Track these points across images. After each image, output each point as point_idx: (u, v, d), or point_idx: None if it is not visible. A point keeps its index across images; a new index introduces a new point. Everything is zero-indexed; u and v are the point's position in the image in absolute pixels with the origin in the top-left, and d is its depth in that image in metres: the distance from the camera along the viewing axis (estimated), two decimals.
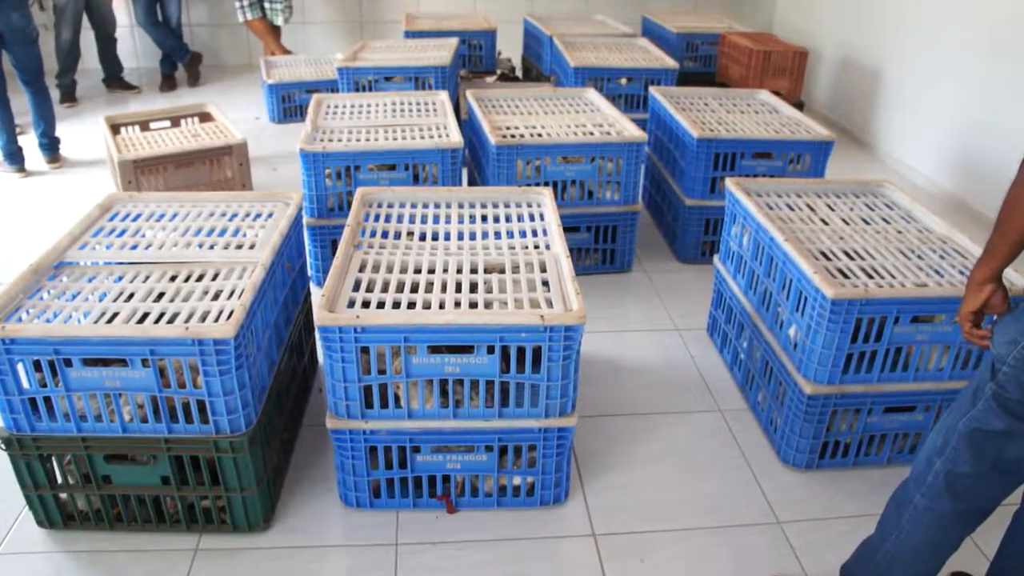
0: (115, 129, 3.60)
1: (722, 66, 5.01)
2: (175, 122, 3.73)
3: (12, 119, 3.95)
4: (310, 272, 2.81)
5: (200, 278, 1.84)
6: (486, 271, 1.91)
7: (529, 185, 2.89)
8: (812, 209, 2.35)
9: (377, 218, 2.17)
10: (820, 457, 2.09)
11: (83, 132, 4.62)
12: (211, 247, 1.97)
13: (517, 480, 1.92)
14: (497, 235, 2.10)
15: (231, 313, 1.64)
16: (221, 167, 3.43)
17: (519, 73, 5.46)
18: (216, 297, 1.76)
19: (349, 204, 2.74)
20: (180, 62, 5.68)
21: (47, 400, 1.67)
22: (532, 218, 2.20)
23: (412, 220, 2.17)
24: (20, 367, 1.63)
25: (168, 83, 5.68)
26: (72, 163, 4.24)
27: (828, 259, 2.04)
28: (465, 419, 1.80)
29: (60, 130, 4.26)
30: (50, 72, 4.69)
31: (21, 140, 4.10)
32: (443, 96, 3.35)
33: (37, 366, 1.63)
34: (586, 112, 3.30)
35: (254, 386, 1.74)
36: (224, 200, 2.25)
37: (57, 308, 1.71)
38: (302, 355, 2.30)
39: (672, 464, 2.13)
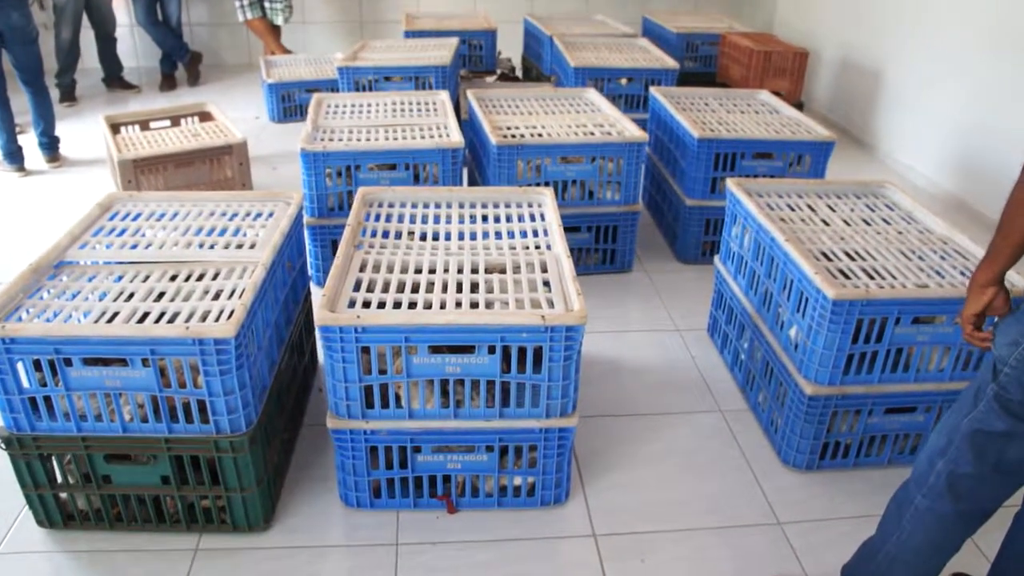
0: (115, 128, 3.60)
1: (722, 66, 5.01)
2: (175, 121, 3.72)
3: (12, 118, 3.95)
4: (310, 272, 2.81)
5: (200, 277, 1.84)
6: (487, 271, 1.91)
7: (530, 185, 2.89)
8: (813, 210, 2.35)
9: (378, 218, 2.17)
10: (821, 458, 2.09)
11: (83, 131, 4.62)
12: (211, 247, 1.97)
13: (518, 480, 1.92)
14: (498, 235, 2.10)
15: (232, 313, 1.64)
16: (221, 166, 3.43)
17: (519, 73, 5.45)
18: (217, 297, 1.75)
19: (349, 204, 2.74)
20: (180, 61, 5.68)
21: (47, 400, 1.66)
22: (533, 218, 2.19)
23: (413, 220, 2.17)
24: (20, 366, 1.63)
25: (168, 82, 5.68)
26: (72, 162, 4.24)
27: (829, 260, 2.04)
28: (466, 419, 1.80)
29: (60, 129, 4.26)
30: (50, 71, 4.69)
31: (21, 139, 4.10)
32: (443, 96, 3.35)
33: (37, 365, 1.63)
34: (587, 112, 3.30)
35: (254, 386, 1.74)
36: (224, 200, 2.25)
37: (57, 307, 1.71)
38: (302, 355, 2.29)
39: (673, 464, 2.13)
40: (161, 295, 1.77)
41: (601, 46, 4.58)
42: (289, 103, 4.93)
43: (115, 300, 1.73)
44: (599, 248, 3.14)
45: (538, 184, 2.92)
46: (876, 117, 4.65)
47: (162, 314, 1.66)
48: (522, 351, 1.71)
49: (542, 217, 2.20)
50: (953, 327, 1.91)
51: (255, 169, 3.77)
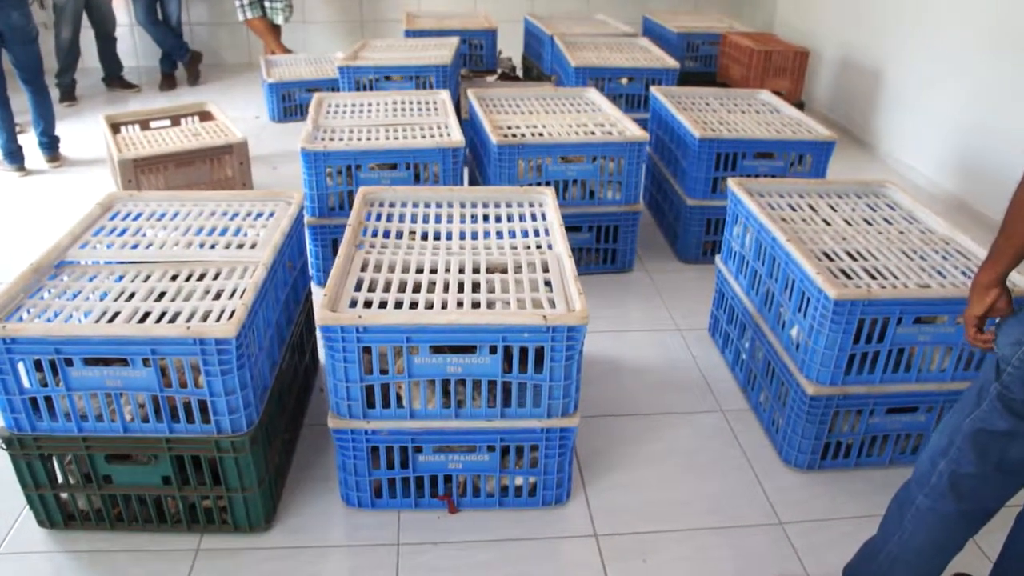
0: (115, 128, 3.59)
1: (723, 66, 5.01)
2: (175, 121, 3.72)
3: (12, 118, 3.95)
4: (311, 272, 2.81)
5: (201, 277, 1.83)
6: (488, 271, 1.90)
7: (530, 185, 2.89)
8: (814, 209, 2.35)
9: (379, 217, 2.16)
10: (822, 458, 2.09)
11: (83, 131, 4.62)
12: (212, 246, 1.97)
13: (519, 480, 1.92)
14: (499, 235, 2.10)
15: (233, 312, 1.64)
16: (221, 166, 3.43)
17: (520, 72, 5.45)
18: (217, 296, 1.75)
19: (350, 203, 2.74)
20: (180, 61, 5.67)
21: (48, 400, 1.66)
22: (534, 218, 2.19)
23: (414, 220, 2.17)
24: (21, 366, 1.62)
25: (168, 82, 5.67)
26: (72, 162, 4.23)
27: (830, 260, 2.04)
28: (467, 419, 1.80)
29: (60, 129, 4.25)
30: (50, 71, 4.68)
31: (21, 139, 4.09)
32: (444, 95, 3.35)
33: (38, 365, 1.63)
34: (587, 112, 3.29)
35: (255, 386, 1.73)
36: (225, 199, 2.24)
37: (58, 307, 1.70)
38: (303, 355, 2.29)
39: (674, 464, 2.13)
40: (162, 295, 1.77)
41: (602, 46, 4.58)
42: (289, 103, 4.93)
43: (116, 300, 1.73)
44: (600, 248, 3.13)
45: (539, 184, 2.92)
46: (876, 117, 4.65)
47: (163, 314, 1.66)
48: (523, 351, 1.71)
49: (543, 217, 2.20)
50: (955, 327, 1.91)
51: (255, 169, 3.77)
